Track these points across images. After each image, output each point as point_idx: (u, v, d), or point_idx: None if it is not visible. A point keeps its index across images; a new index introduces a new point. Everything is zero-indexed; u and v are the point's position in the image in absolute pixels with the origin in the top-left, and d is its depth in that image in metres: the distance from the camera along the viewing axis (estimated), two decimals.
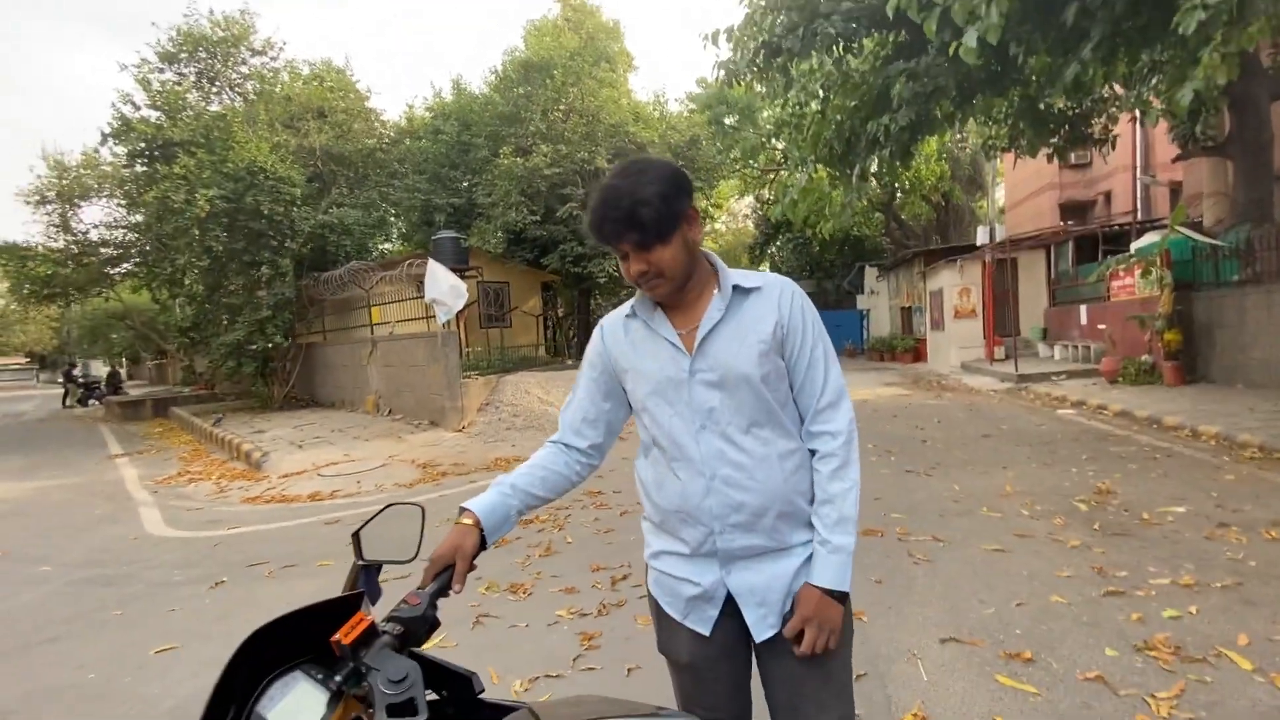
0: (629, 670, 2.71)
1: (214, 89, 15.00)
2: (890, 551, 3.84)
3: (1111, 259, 11.51)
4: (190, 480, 8.22)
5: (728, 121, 19.61)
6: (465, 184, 16.82)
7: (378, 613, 1.03)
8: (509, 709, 0.96)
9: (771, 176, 28.06)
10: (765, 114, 20.50)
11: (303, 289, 13.30)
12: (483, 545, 1.19)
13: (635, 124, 15.57)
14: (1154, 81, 3.94)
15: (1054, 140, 7.75)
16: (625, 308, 1.39)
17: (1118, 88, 5.89)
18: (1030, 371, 11.92)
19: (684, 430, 1.26)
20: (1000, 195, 27.75)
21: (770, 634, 1.25)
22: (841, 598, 1.23)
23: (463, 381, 10.70)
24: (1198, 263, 9.58)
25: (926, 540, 3.98)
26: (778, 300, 1.28)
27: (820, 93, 5.25)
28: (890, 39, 4.99)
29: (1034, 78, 4.24)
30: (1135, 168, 20.66)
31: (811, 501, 1.28)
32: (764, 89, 5.82)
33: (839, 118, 5.87)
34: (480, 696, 0.98)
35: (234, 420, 12.55)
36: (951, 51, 3.43)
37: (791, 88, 5.27)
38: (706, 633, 1.27)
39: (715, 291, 1.28)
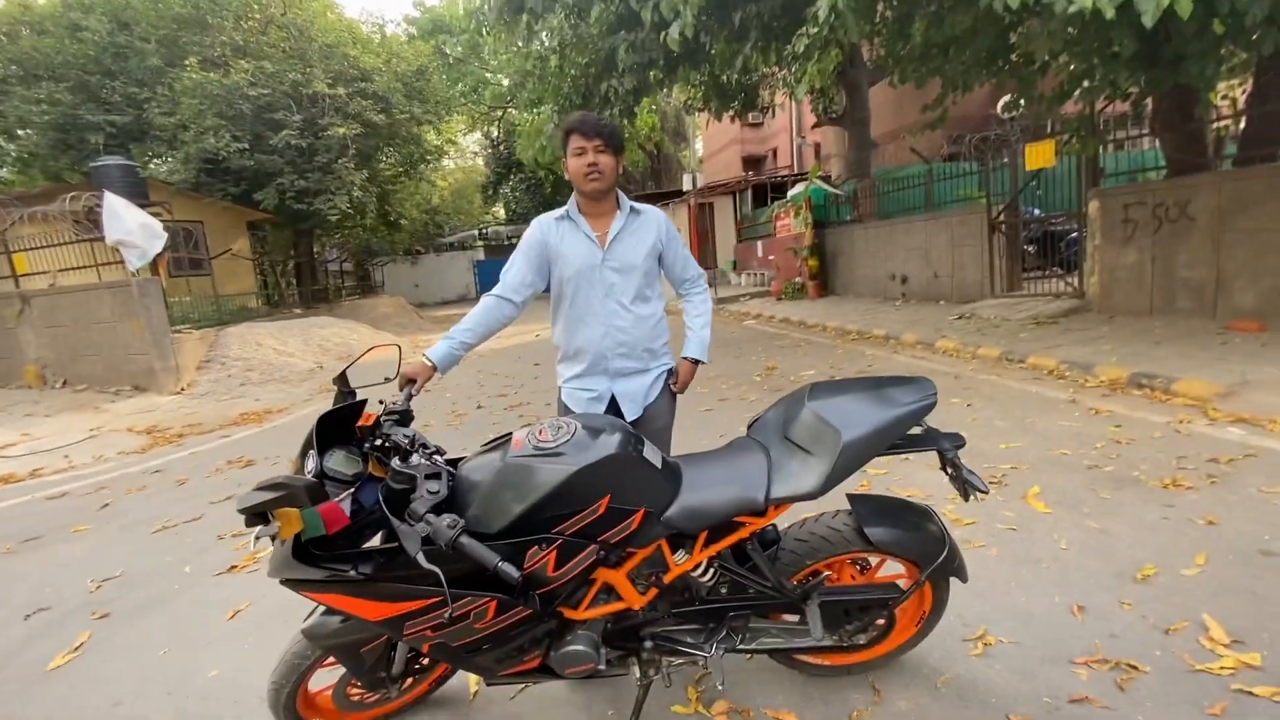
0: None
1: None
2: None
3: (776, 204, 14.79)
4: None
5: (449, 51, 18.98)
6: (129, 98, 13.54)
7: None
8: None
9: (500, 114, 27.96)
10: (494, 50, 20.35)
11: None
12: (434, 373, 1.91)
13: (355, 47, 14.27)
14: (794, 69, 5.62)
15: (733, 104, 9.74)
16: (557, 212, 2.15)
17: (776, 70, 7.82)
18: (725, 295, 14.87)
19: (594, 298, 2.10)
20: (700, 147, 31.99)
21: (635, 416, 2.20)
22: (697, 364, 2.26)
23: (173, 338, 9.35)
24: (828, 206, 13.00)
25: None
26: (656, 224, 2.16)
27: (558, 49, 6.02)
28: (614, 10, 5.99)
29: (717, 59, 5.65)
30: (792, 130, 25.96)
31: (661, 345, 2.22)
32: (513, 41, 6.35)
33: (573, 73, 6.76)
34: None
35: None
36: (661, 38, 4.55)
37: (534, 41, 5.92)
38: None
39: (617, 210, 2.11)
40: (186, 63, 12.62)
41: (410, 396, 1.78)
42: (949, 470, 1.57)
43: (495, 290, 2.11)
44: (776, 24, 5.62)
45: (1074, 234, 9.61)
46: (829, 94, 13.29)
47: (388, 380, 1.79)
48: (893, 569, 1.81)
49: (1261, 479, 2.97)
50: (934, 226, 10.00)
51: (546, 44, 5.87)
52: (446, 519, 1.35)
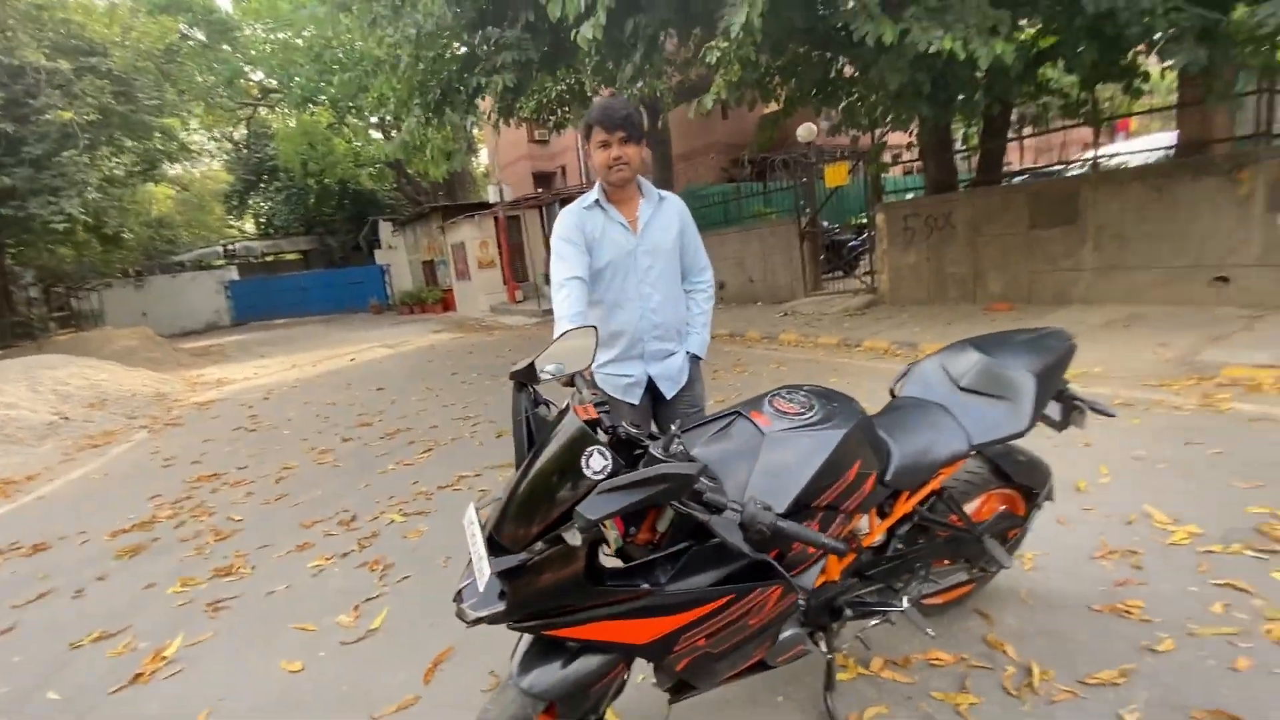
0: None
1: None
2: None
3: None
4: None
5: (189, 34, 15.79)
6: None
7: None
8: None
9: (250, 113, 24.22)
10: (251, 35, 17.49)
11: None
12: None
13: (77, 12, 11.13)
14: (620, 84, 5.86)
15: (555, 116, 9.58)
16: (584, 201, 2.07)
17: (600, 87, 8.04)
18: (549, 307, 14.81)
19: (631, 282, 2.07)
20: (484, 159, 31.34)
21: (673, 394, 2.19)
22: (697, 360, 2.27)
23: None
24: None
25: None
26: (679, 210, 2.18)
27: (413, 39, 5.49)
28: (481, 7, 5.68)
29: (595, 62, 5.68)
30: (579, 147, 26.91)
31: (685, 326, 2.23)
32: (372, 26, 5.53)
33: (430, 68, 6.22)
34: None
35: None
36: (573, 36, 4.48)
37: (399, 26, 5.29)
38: (636, 403, 2.17)
39: (641, 197, 2.09)
40: None
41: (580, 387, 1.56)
42: (1061, 401, 1.88)
43: (567, 274, 1.96)
44: (663, 35, 5.87)
45: (853, 242, 11.58)
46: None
47: (578, 375, 1.54)
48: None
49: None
50: (745, 237, 11.22)
51: (403, 34, 5.31)
52: (754, 503, 1.24)
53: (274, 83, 20.07)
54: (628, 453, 1.39)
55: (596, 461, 1.19)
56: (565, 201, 18.08)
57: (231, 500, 4.33)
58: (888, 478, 1.60)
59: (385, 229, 24.44)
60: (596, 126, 1.94)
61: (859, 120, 7.07)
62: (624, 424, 1.42)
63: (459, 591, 1.34)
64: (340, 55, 15.69)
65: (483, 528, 1.31)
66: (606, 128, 1.92)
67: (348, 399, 7.54)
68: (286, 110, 20.63)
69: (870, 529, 1.70)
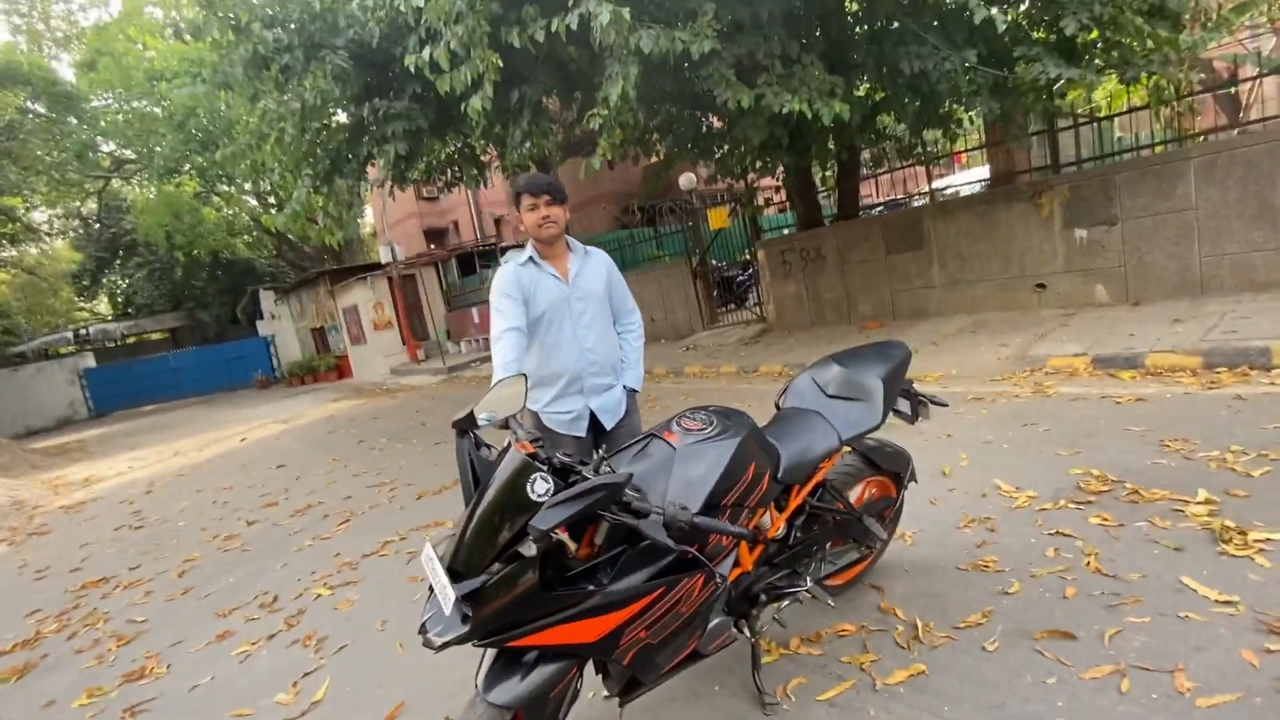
0: None
1: None
2: None
3: (493, 269, 15.27)
4: None
5: (29, 105, 14.49)
6: None
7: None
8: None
9: (102, 186, 22.40)
10: (101, 106, 16.33)
11: None
12: None
13: None
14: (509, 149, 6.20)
15: (447, 175, 9.62)
16: (519, 258, 2.34)
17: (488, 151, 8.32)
18: (454, 363, 14.62)
19: (567, 326, 2.33)
20: (369, 219, 30.59)
21: (612, 426, 2.43)
22: (633, 393, 2.53)
23: None
24: None
25: None
26: (605, 262, 2.47)
27: (298, 112, 5.51)
28: (367, 78, 5.82)
29: (483, 129, 5.95)
30: (469, 203, 27.06)
31: (619, 361, 2.50)
32: (253, 101, 5.46)
33: (308, 138, 6.23)
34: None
35: None
36: (464, 108, 4.74)
37: (282, 99, 5.28)
38: (582, 434, 2.40)
39: (569, 252, 2.37)
40: None
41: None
42: (909, 399, 2.31)
43: (504, 326, 2.20)
44: (544, 99, 6.25)
45: (740, 277, 12.44)
46: (517, 173, 14.51)
47: (511, 418, 1.74)
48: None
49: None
50: (643, 280, 11.75)
51: (287, 108, 5.32)
52: (673, 506, 1.51)
53: (129, 153, 18.77)
54: (564, 479, 1.62)
55: (540, 485, 1.41)
56: (463, 257, 18.10)
57: (129, 602, 4.02)
58: (780, 474, 1.92)
59: (267, 298, 23.10)
60: (525, 194, 2.24)
61: (732, 169, 7.82)
62: (557, 454, 1.65)
63: (423, 624, 1.49)
64: (207, 124, 15.05)
65: (440, 560, 1.48)
66: (533, 193, 2.23)
67: (245, 481, 7.11)
68: (146, 181, 19.25)
69: (772, 522, 2.01)
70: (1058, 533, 2.65)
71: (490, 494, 1.44)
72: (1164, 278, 6.02)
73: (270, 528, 5.08)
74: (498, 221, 27.49)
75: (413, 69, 4.63)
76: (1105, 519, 2.67)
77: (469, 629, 1.41)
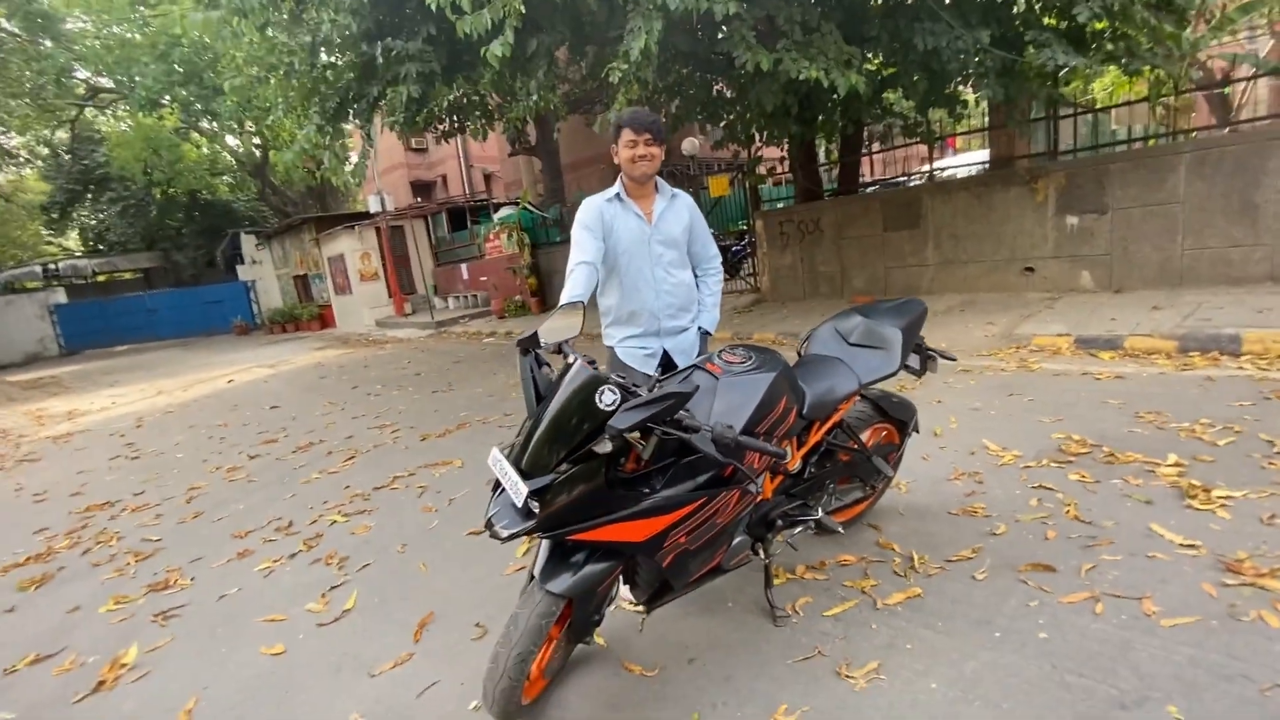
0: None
1: None
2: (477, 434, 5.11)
3: (483, 226, 15.15)
4: None
5: (3, 24, 13.75)
6: None
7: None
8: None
9: (75, 115, 21.48)
10: (78, 29, 15.51)
11: None
12: None
13: None
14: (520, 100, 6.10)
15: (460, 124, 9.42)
16: (606, 194, 2.40)
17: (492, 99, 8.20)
18: (442, 319, 14.57)
19: (646, 267, 2.41)
20: (352, 164, 29.82)
21: (685, 364, 2.53)
22: (707, 335, 2.61)
23: None
24: (537, 229, 13.97)
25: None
26: (689, 206, 2.52)
27: (308, 46, 5.39)
28: (379, 18, 5.71)
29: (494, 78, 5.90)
30: (459, 157, 26.53)
31: (696, 305, 2.57)
32: (263, 31, 5.28)
33: (315, 75, 6.10)
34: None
35: None
36: (483, 53, 4.71)
37: (296, 33, 5.15)
38: (652, 373, 2.49)
39: (656, 194, 2.44)
40: None
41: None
42: (919, 353, 2.48)
43: (578, 259, 2.22)
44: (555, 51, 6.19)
45: (736, 247, 12.54)
46: (519, 126, 14.30)
47: (564, 343, 1.86)
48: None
49: (944, 379, 4.82)
50: None
51: (298, 41, 5.20)
52: (720, 424, 1.66)
53: (106, 82, 18.00)
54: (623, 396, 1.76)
55: (607, 396, 1.55)
56: (454, 212, 17.84)
57: (140, 524, 4.11)
58: (805, 411, 2.08)
59: (248, 242, 22.57)
60: (627, 128, 2.25)
61: (738, 136, 7.84)
62: (613, 375, 1.78)
63: (488, 519, 1.64)
64: (192, 56, 14.48)
65: (509, 461, 1.62)
66: (635, 129, 2.24)
67: (239, 419, 7.14)
68: (124, 112, 18.50)
69: (792, 456, 2.18)
70: (1040, 486, 2.88)
71: (559, 403, 1.58)
72: (1146, 267, 6.28)
73: (273, 461, 5.17)
74: (488, 178, 27.06)
75: (433, 8, 4.57)
76: (1084, 476, 2.91)
77: (535, 521, 1.56)
